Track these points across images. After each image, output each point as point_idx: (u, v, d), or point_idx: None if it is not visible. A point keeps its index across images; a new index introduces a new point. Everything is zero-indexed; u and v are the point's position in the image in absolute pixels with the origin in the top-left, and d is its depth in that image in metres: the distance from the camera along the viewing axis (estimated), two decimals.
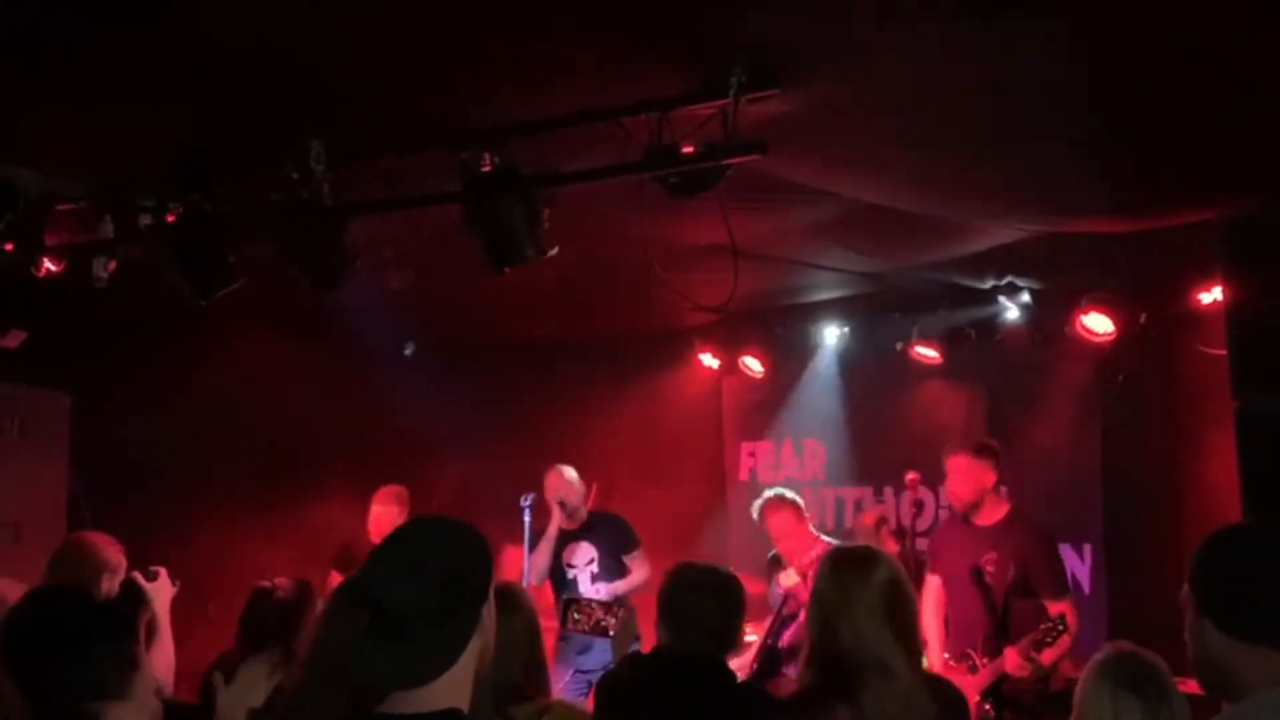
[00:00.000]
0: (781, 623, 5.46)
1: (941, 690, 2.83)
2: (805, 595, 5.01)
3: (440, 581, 1.83)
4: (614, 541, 6.38)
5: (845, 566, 2.78)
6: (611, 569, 6.34)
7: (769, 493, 5.92)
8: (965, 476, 5.25)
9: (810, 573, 5.20)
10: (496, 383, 8.13)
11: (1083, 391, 6.68)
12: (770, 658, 5.39)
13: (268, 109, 4.02)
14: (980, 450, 5.27)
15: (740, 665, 5.22)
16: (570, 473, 6.41)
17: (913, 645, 2.74)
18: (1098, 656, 2.89)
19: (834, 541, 5.68)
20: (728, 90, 3.59)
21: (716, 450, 8.67)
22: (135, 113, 4.08)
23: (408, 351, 6.94)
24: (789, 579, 5.52)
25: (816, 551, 5.40)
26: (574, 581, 6.32)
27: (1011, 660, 4.81)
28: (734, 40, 3.48)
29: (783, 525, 5.75)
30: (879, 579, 2.72)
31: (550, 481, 6.37)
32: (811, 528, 5.87)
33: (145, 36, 3.45)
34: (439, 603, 1.82)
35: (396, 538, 1.94)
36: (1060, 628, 4.76)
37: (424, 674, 1.82)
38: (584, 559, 6.37)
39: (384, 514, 6.54)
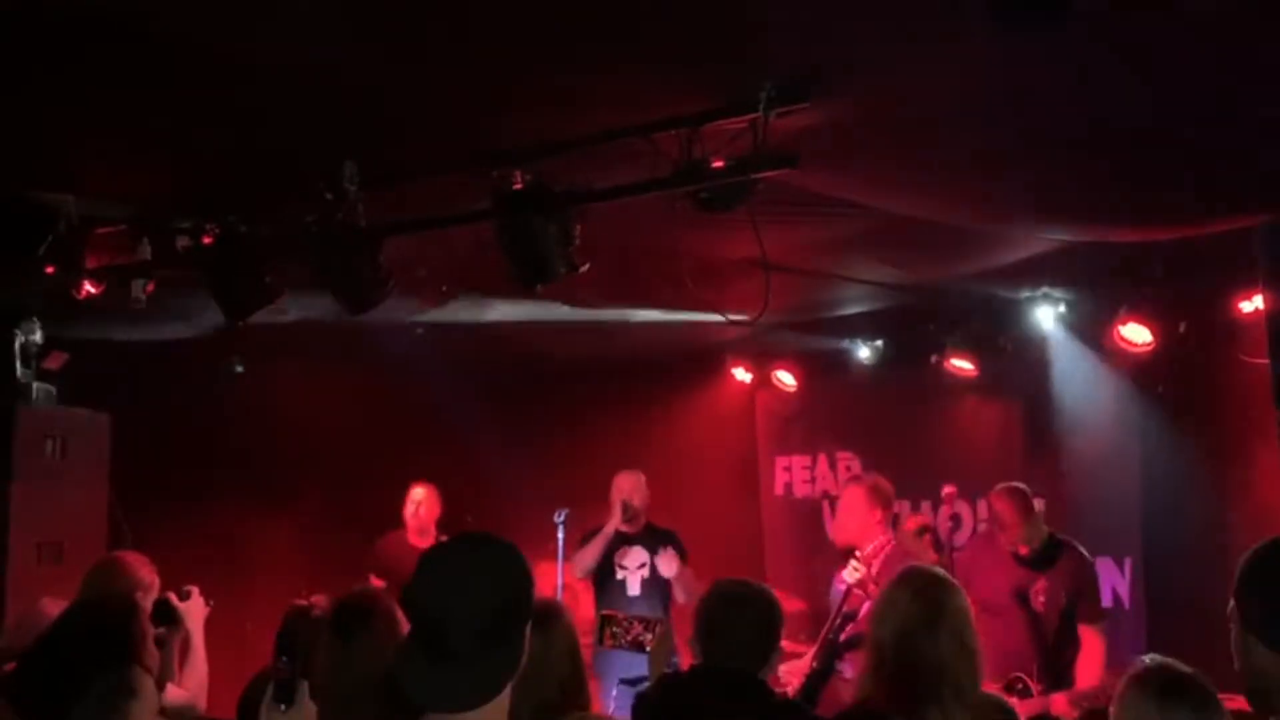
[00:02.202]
0: (843, 619, 5.27)
1: (997, 708, 2.96)
2: (869, 589, 4.96)
3: (495, 604, 1.80)
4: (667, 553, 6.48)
5: (929, 588, 2.96)
6: (660, 579, 6.42)
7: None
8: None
9: (875, 567, 5.10)
10: (529, 398, 8.16)
11: (1122, 403, 6.60)
12: (830, 653, 5.27)
13: (302, 131, 4.06)
14: (1014, 493, 5.25)
15: (798, 667, 5.15)
16: (642, 478, 6.53)
17: (980, 665, 2.89)
18: (1131, 671, 2.86)
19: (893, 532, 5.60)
20: (757, 104, 3.59)
21: (750, 465, 8.63)
22: (172, 137, 4.14)
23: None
24: (852, 574, 5.26)
25: (881, 546, 5.27)
26: (623, 583, 6.37)
27: (1059, 704, 4.82)
28: (762, 55, 3.48)
29: (850, 502, 5.57)
30: (958, 601, 2.94)
31: (622, 482, 6.44)
32: (884, 522, 5.56)
33: (181, 62, 3.50)
34: (494, 625, 1.79)
35: (446, 555, 1.90)
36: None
37: (475, 698, 1.79)
38: (636, 562, 6.43)
39: (426, 498, 6.77)
